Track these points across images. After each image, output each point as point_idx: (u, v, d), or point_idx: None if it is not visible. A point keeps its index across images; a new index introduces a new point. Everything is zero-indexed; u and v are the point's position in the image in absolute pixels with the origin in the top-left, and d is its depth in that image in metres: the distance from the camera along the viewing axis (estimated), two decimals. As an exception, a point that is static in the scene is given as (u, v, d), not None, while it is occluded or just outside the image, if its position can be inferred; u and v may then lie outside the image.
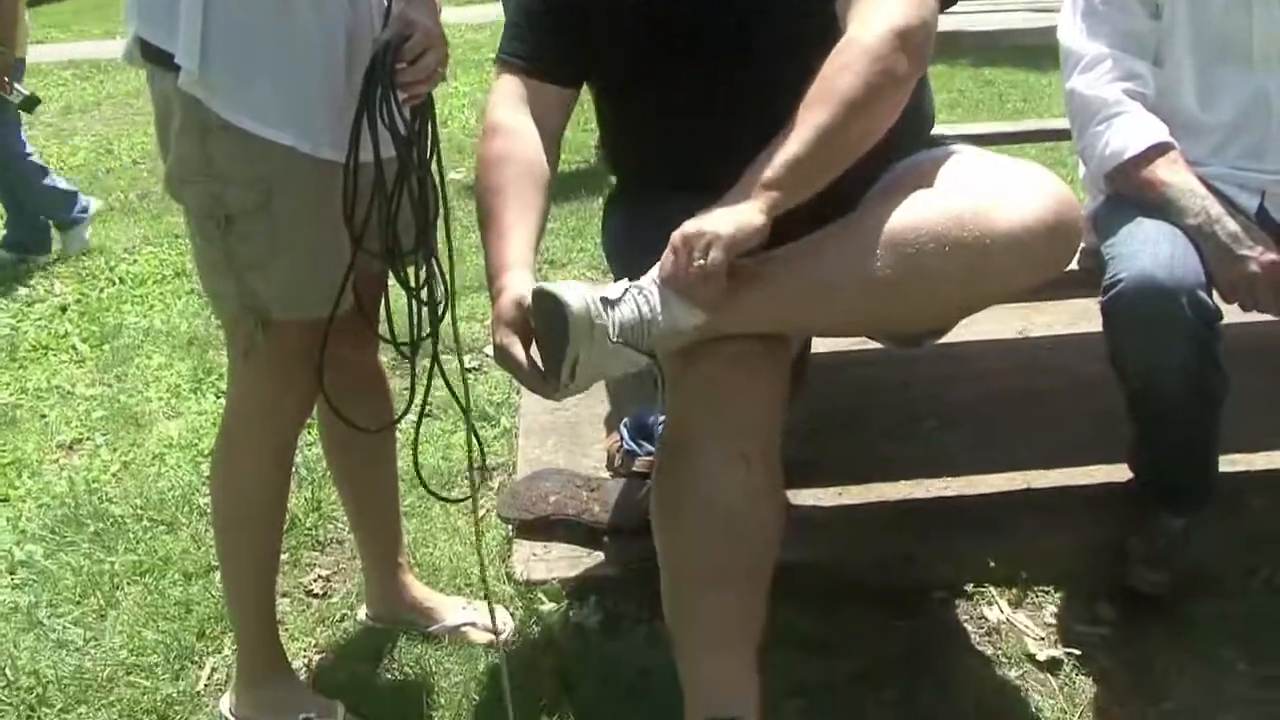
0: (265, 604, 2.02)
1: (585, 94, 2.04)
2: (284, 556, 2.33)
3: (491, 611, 1.97)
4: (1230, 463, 2.32)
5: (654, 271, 1.66)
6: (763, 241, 1.63)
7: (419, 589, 2.27)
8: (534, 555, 2.38)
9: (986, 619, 2.22)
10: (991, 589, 2.27)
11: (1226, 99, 2.16)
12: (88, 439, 3.17)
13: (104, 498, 2.81)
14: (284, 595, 2.34)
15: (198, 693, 2.13)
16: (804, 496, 2.44)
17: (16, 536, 2.67)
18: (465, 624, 2.22)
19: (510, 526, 2.47)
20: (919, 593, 2.28)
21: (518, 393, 3.10)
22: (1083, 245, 2.16)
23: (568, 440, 2.77)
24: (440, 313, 1.83)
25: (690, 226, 1.62)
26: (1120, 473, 2.34)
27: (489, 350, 3.42)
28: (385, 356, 2.09)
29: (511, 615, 2.26)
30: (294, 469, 2.24)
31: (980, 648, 2.16)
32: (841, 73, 1.68)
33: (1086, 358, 2.73)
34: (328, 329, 1.75)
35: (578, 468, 2.60)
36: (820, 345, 2.48)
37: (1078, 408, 2.63)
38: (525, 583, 2.31)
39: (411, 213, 1.76)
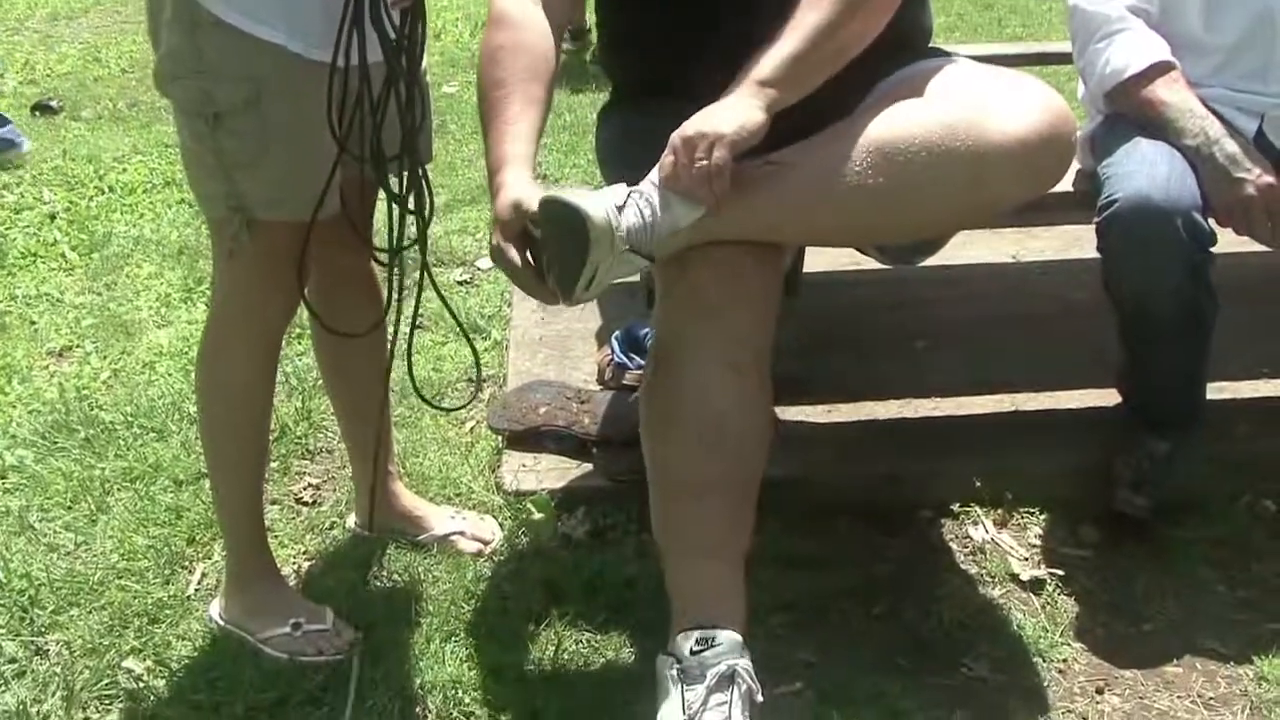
0: (254, 508, 2.02)
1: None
2: (274, 465, 2.35)
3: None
4: (1217, 390, 2.33)
5: (654, 174, 1.65)
6: (761, 139, 1.63)
7: (408, 498, 2.28)
8: (523, 466, 2.39)
9: (972, 538, 2.24)
10: (977, 509, 2.29)
11: (1231, 19, 2.14)
12: (78, 346, 3.15)
13: (94, 405, 2.80)
14: (274, 503, 2.35)
15: (187, 597, 2.14)
16: (793, 414, 2.44)
17: (7, 442, 2.66)
18: (454, 533, 2.23)
19: (500, 438, 2.48)
20: (906, 511, 2.30)
21: (508, 305, 3.10)
22: (1079, 167, 2.16)
23: (558, 353, 2.77)
24: (426, 222, 1.82)
25: (690, 127, 1.61)
26: (1108, 397, 2.35)
27: (480, 263, 3.41)
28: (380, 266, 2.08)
29: (500, 526, 2.27)
30: (284, 378, 2.25)
31: (965, 567, 2.18)
32: None
33: (1078, 284, 2.75)
34: (309, 232, 1.74)
35: (568, 381, 2.60)
36: (812, 264, 2.47)
37: (1068, 332, 2.63)
38: (514, 493, 2.33)
39: (397, 119, 1.75)
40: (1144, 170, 1.98)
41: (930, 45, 2.06)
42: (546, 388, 2.53)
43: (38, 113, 5.44)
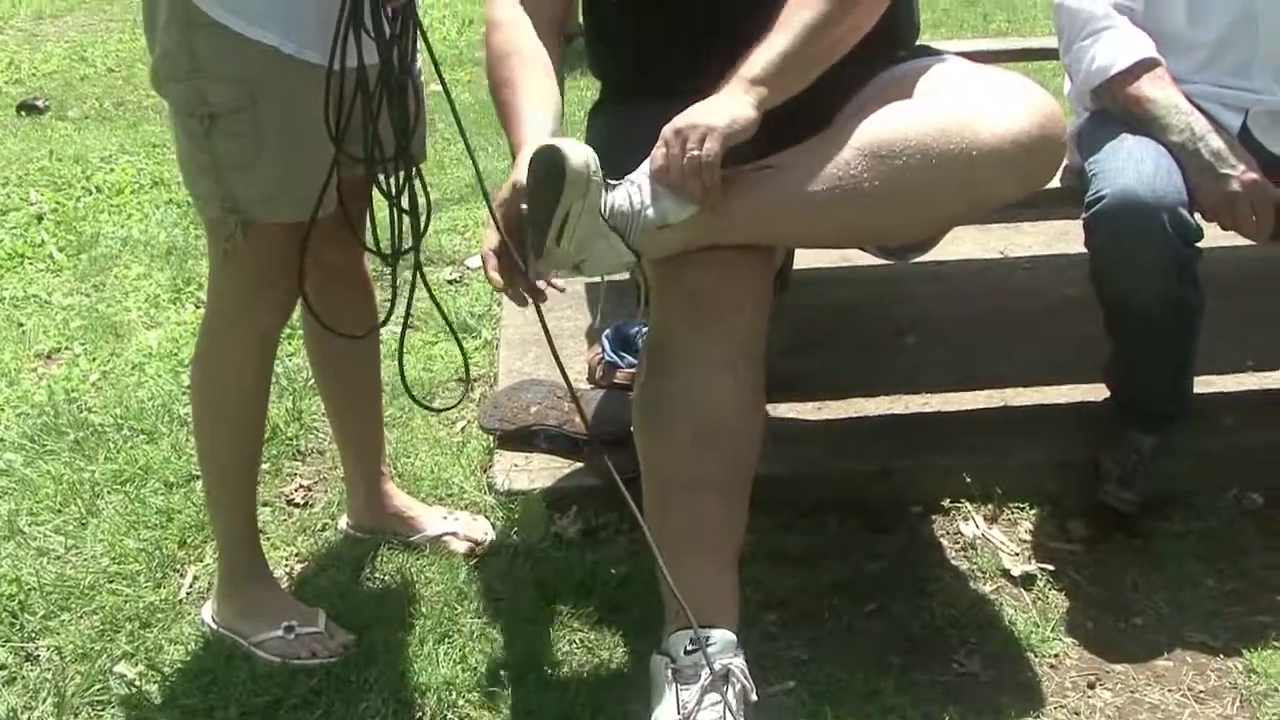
0: (245, 510, 2.02)
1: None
2: (265, 466, 2.34)
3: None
4: (1204, 384, 2.34)
5: (645, 165, 1.66)
6: (752, 135, 1.64)
7: (400, 498, 2.28)
8: (515, 466, 2.39)
9: (962, 534, 2.25)
10: (968, 505, 2.29)
11: (1215, 15, 2.14)
12: (66, 348, 3.15)
13: (83, 407, 2.80)
14: (265, 505, 2.35)
15: (179, 600, 2.14)
16: (783, 410, 2.45)
17: (-5, 444, 2.66)
18: (446, 533, 2.23)
19: (491, 437, 2.48)
20: (896, 508, 2.31)
21: (498, 304, 3.09)
22: (1066, 163, 2.16)
23: (549, 352, 2.75)
24: (425, 222, 1.82)
25: (682, 120, 1.63)
26: (1096, 392, 2.36)
27: (470, 262, 3.41)
28: (372, 266, 2.08)
29: (492, 526, 2.27)
30: (275, 379, 2.24)
31: (956, 562, 2.19)
32: None
33: (1066, 279, 2.76)
34: (308, 233, 1.74)
35: (559, 379, 2.60)
36: (801, 261, 2.48)
37: (1056, 328, 2.64)
38: (506, 493, 2.33)
39: (391, 120, 1.75)
40: (1130, 166, 1.99)
41: (919, 43, 2.06)
42: (537, 387, 2.53)
43: (23, 112, 5.43)
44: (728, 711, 1.62)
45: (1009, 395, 2.54)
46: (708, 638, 1.67)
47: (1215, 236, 2.05)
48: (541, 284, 1.79)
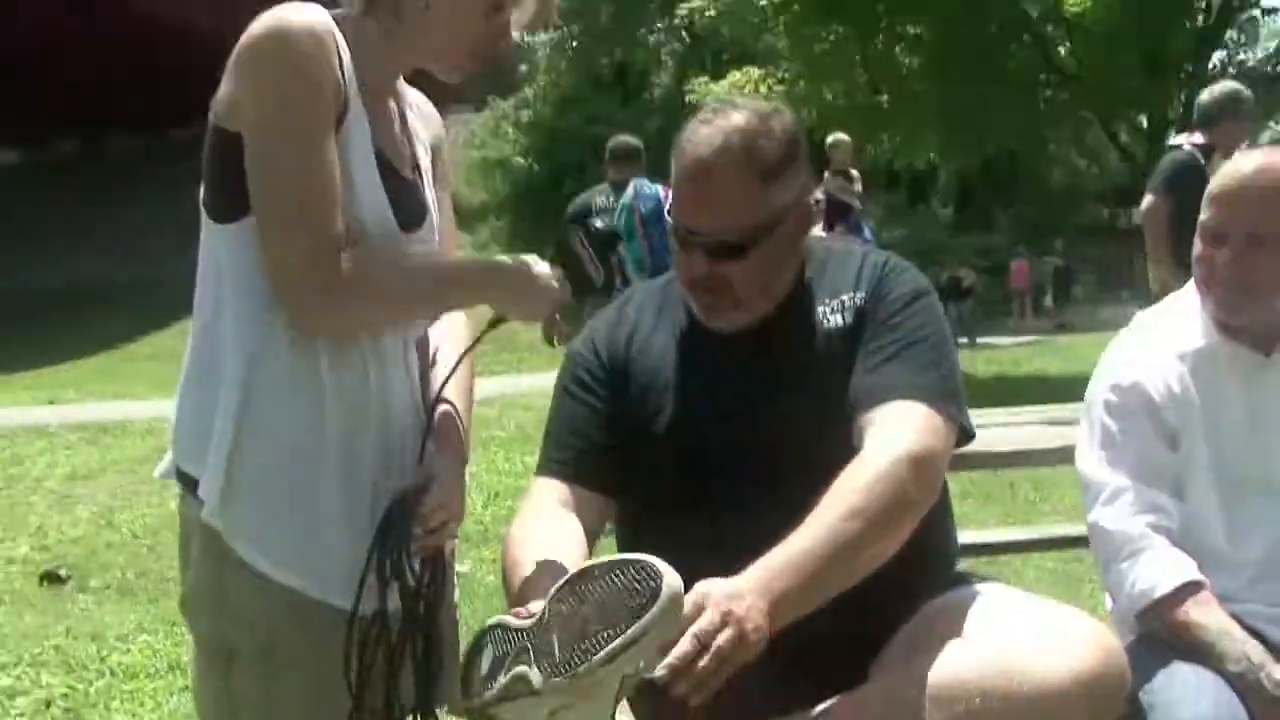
0: None
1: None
2: None
3: None
4: None
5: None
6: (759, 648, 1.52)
7: None
8: None
9: None
10: None
11: (1255, 534, 2.10)
12: None
13: None
14: None
15: None
16: None
17: None
18: None
19: None
20: None
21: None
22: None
23: None
24: None
25: (737, 607, 1.51)
26: None
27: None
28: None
29: None
30: None
31: None
32: (854, 490, 1.69)
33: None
34: None
35: None
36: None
37: None
38: None
39: (414, 669, 1.73)
40: (1188, 700, 1.88)
41: (957, 570, 2.04)
42: None
43: (45, 582, 5.43)
44: None
45: None
46: None
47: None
48: None
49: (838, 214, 9.11)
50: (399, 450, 1.80)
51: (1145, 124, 17.41)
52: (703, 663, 1.45)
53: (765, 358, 1.94)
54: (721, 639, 1.47)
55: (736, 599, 1.52)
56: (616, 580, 1.41)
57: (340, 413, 1.72)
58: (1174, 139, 7.32)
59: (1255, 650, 1.95)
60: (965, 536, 3.42)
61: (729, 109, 1.92)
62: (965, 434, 1.91)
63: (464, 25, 1.77)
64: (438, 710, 1.77)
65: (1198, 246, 2.16)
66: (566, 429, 2.01)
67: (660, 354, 2.01)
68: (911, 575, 1.81)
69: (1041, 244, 31.91)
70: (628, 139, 7.13)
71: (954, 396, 1.88)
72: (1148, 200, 6.08)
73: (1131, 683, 2.03)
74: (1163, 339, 2.19)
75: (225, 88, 1.68)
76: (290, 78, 1.64)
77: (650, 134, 28.08)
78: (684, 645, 1.45)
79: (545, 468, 1.99)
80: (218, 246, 1.74)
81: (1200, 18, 16.76)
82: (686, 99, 21.05)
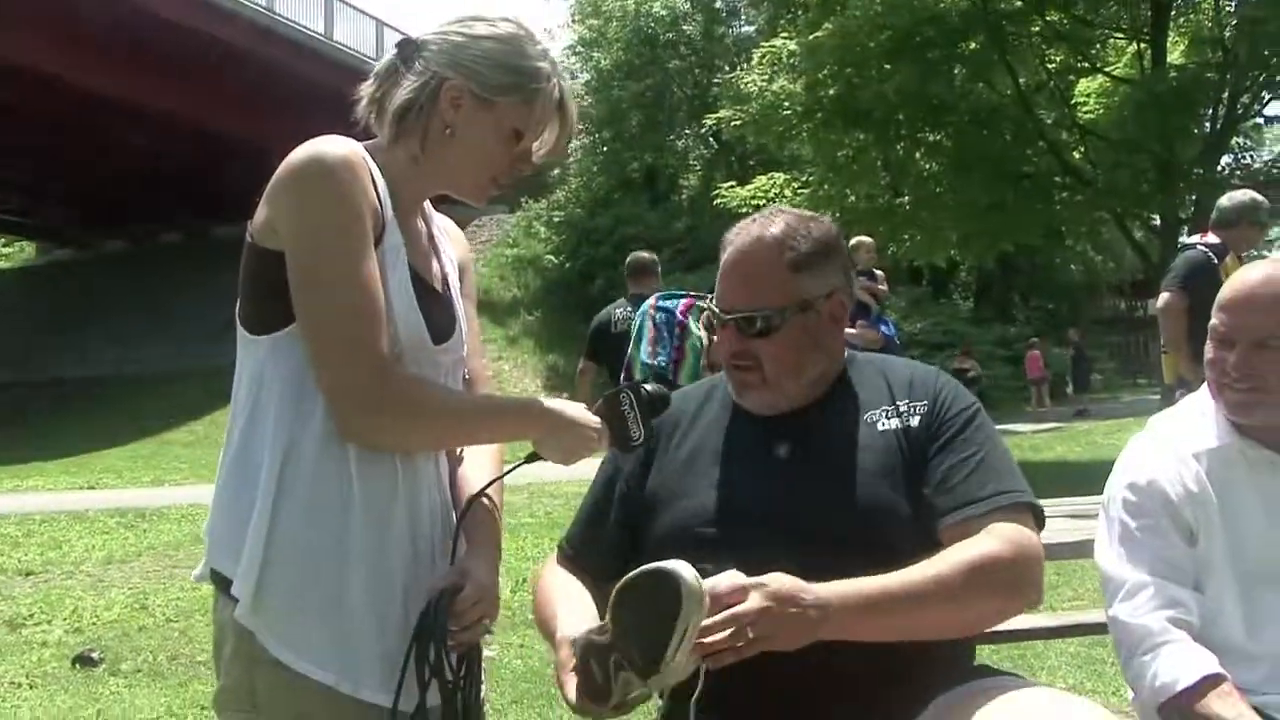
0: None
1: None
2: None
3: None
4: None
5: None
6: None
7: None
8: None
9: None
10: None
11: (1273, 627, 2.14)
12: None
13: None
14: None
15: None
16: None
17: None
18: None
19: None
20: None
21: None
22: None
23: None
24: None
25: (789, 587, 1.69)
26: None
27: None
28: None
29: None
30: None
31: None
32: (949, 555, 1.82)
33: None
34: None
35: None
36: None
37: None
38: None
39: None
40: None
41: (977, 664, 2.07)
42: None
43: (78, 665, 5.47)
44: None
45: None
46: None
47: None
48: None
49: (858, 312, 9.33)
50: (427, 549, 1.87)
51: (1158, 222, 17.61)
52: (722, 635, 1.63)
53: (802, 446, 2.04)
54: (749, 628, 1.64)
55: (781, 600, 1.67)
56: (650, 591, 1.63)
57: (369, 512, 1.78)
58: (1188, 239, 7.49)
59: (1276, 742, 1.99)
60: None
61: (775, 212, 2.13)
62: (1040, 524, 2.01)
63: (485, 152, 1.90)
64: None
65: (1209, 350, 2.25)
66: (585, 519, 2.20)
67: (698, 442, 2.12)
68: (928, 664, 1.86)
69: (1059, 334, 32.02)
70: (643, 255, 7.63)
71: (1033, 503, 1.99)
72: (1164, 297, 6.29)
73: (1156, 775, 2.08)
74: (1178, 439, 2.27)
75: (264, 211, 1.78)
76: (336, 201, 1.74)
77: (678, 234, 28.58)
78: (715, 619, 1.64)
79: (563, 551, 2.19)
80: (255, 356, 1.82)
81: (1208, 125, 17.10)
82: (714, 202, 21.30)
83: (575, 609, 1.89)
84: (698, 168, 32.98)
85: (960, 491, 1.94)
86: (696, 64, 33.50)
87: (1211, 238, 6.36)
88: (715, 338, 2.14)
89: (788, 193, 17.77)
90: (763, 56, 19.68)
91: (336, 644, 1.72)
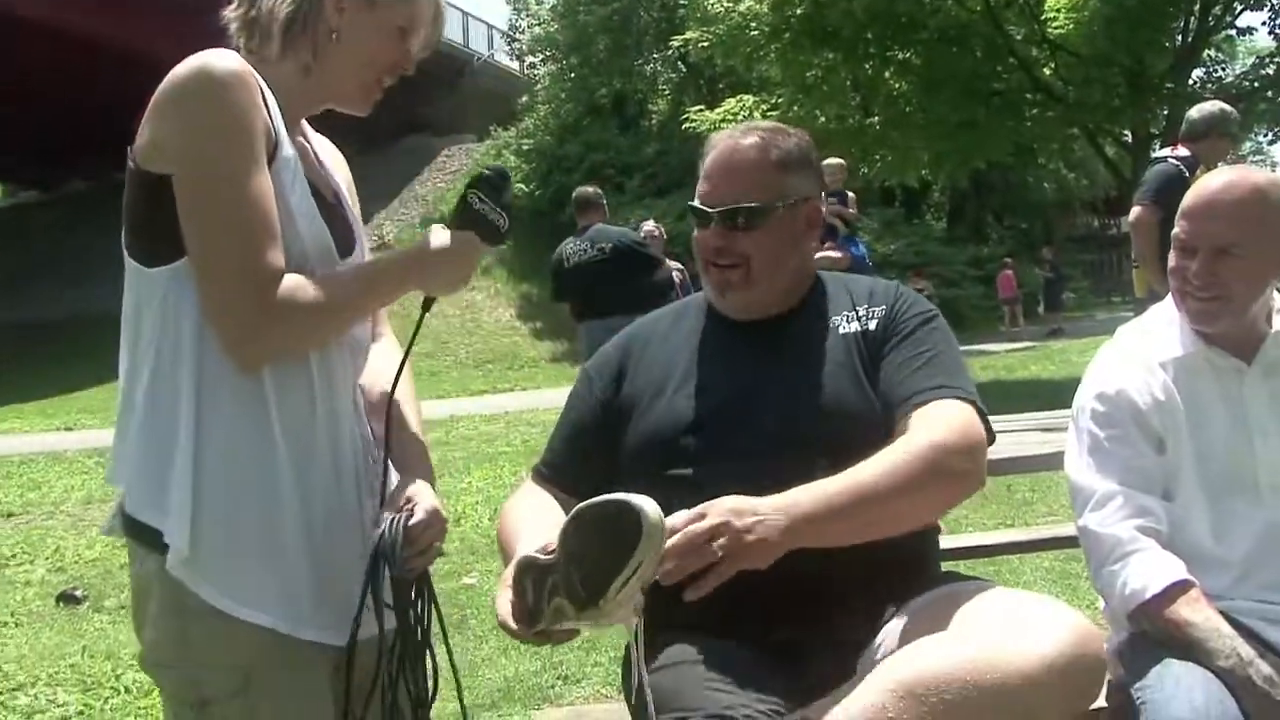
0: None
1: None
2: None
3: None
4: None
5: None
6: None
7: None
8: None
9: None
10: None
11: (1239, 532, 2.18)
12: None
13: None
14: None
15: None
16: None
17: None
18: None
19: None
20: None
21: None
22: (1110, 679, 2.13)
23: None
24: None
25: (744, 505, 1.71)
26: None
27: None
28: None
29: None
30: None
31: None
32: (895, 451, 1.86)
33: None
34: None
35: None
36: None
37: None
38: None
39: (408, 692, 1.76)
40: (1181, 696, 1.94)
41: (945, 569, 2.12)
42: None
43: (62, 603, 5.50)
44: None
45: None
46: None
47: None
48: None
49: (827, 235, 9.43)
50: (351, 481, 1.83)
51: (1130, 138, 17.60)
52: (690, 559, 1.64)
53: (778, 352, 2.10)
54: (717, 544, 1.65)
55: (739, 514, 1.69)
56: (608, 520, 1.60)
57: (292, 447, 1.72)
58: (1159, 152, 7.50)
59: (1244, 647, 2.01)
60: (965, 539, 3.52)
61: (752, 124, 2.19)
62: (989, 435, 2.04)
63: (371, 54, 1.84)
64: None
65: (1172, 259, 2.26)
66: (563, 435, 2.21)
67: (673, 351, 2.17)
68: (892, 576, 1.92)
69: (1032, 253, 32.12)
70: (587, 190, 8.16)
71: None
72: (1135, 210, 6.33)
73: (1125, 679, 2.12)
74: (1145, 349, 2.29)
75: (147, 131, 1.69)
76: (226, 114, 1.66)
77: (648, 159, 28.38)
78: (673, 541, 1.64)
79: (538, 470, 2.20)
80: (153, 290, 1.73)
81: (1179, 38, 17.05)
82: (683, 126, 21.15)
83: (541, 531, 1.85)
84: (666, 92, 32.72)
85: (909, 384, 2.00)
86: (663, -15, 33.14)
87: (1182, 150, 6.37)
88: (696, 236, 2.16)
89: (757, 115, 17.68)
90: (728, -25, 19.49)
91: (274, 586, 1.68)
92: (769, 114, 17.31)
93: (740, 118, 17.89)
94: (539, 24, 35.02)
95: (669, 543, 1.62)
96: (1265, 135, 23.92)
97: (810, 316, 2.15)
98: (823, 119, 16.81)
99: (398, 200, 28.22)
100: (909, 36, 16.15)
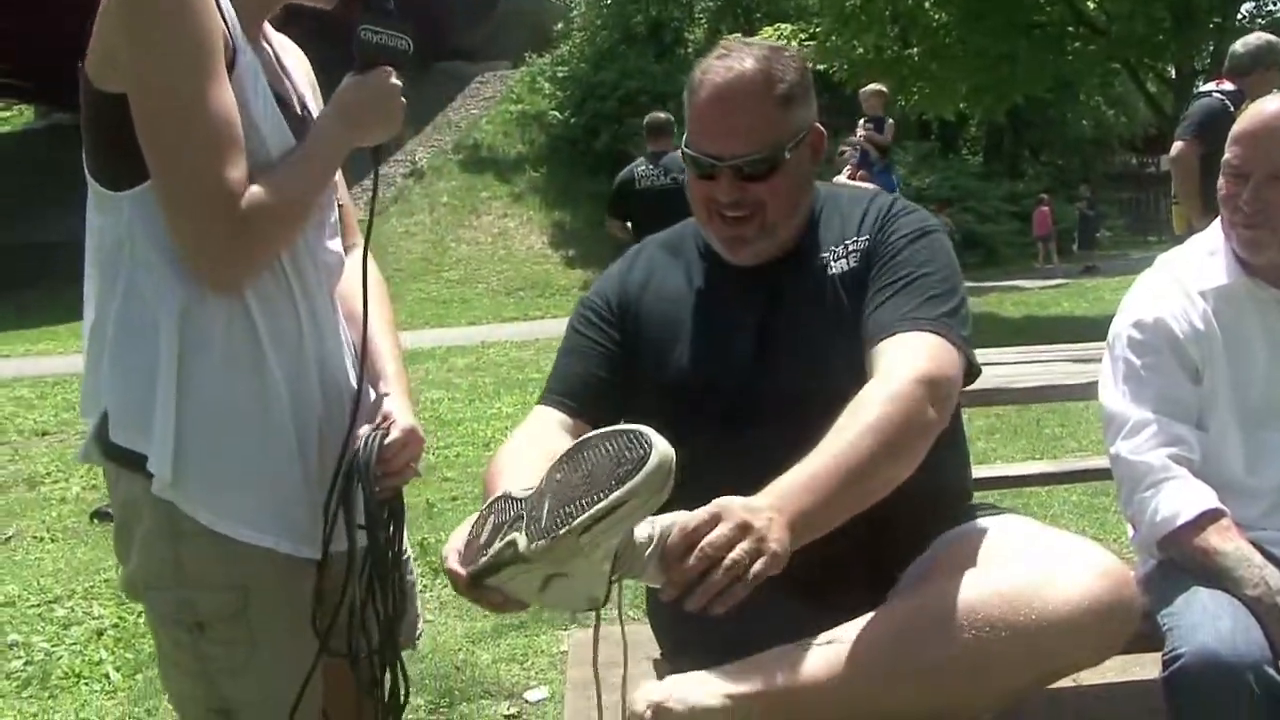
0: None
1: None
2: None
3: None
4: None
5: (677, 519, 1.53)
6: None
7: None
8: None
9: None
10: None
11: (1273, 463, 2.16)
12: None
13: None
14: None
15: None
16: None
17: None
18: None
19: None
20: None
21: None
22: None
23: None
24: (401, 708, 1.79)
25: (755, 520, 1.51)
26: None
27: (529, 695, 3.33)
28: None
29: None
30: None
31: None
32: (867, 411, 1.70)
33: (1141, 708, 2.63)
34: None
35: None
36: None
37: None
38: None
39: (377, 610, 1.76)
40: (1207, 623, 1.94)
41: (975, 502, 2.09)
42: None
43: (96, 519, 5.57)
44: None
45: None
46: None
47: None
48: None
49: (861, 162, 9.40)
50: (337, 395, 1.78)
51: (1173, 74, 17.25)
52: (715, 575, 1.45)
53: (777, 300, 1.98)
54: (738, 551, 1.47)
55: (755, 513, 1.52)
56: (610, 448, 1.40)
57: (280, 363, 1.68)
58: (1204, 86, 7.33)
59: (1273, 575, 2.01)
60: (993, 470, 3.51)
61: (741, 46, 1.97)
62: (972, 369, 1.92)
63: None
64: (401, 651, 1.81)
65: (1222, 186, 2.21)
66: (569, 362, 2.07)
67: (674, 298, 2.06)
68: (924, 510, 1.86)
69: (1068, 190, 31.71)
70: (660, 115, 8.08)
71: (962, 325, 1.89)
72: (1177, 145, 6.14)
73: (1151, 606, 2.12)
74: (1185, 277, 2.25)
75: (98, 44, 1.59)
76: (181, 19, 1.54)
77: (683, 87, 27.98)
78: (693, 559, 1.46)
79: (545, 397, 2.04)
80: (120, 213, 1.65)
81: (1229, -30, 16.67)
82: (720, 54, 20.93)
83: (536, 466, 1.64)
84: (703, 20, 32.30)
85: (875, 317, 1.88)
86: (702, -91, 32.61)
87: (1227, 85, 6.17)
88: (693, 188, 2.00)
89: (794, 44, 17.43)
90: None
91: (269, 505, 1.66)
92: (806, 44, 17.08)
93: (777, 46, 17.67)
94: None
95: (689, 561, 1.45)
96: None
97: (807, 255, 2.01)
98: (860, 49, 16.57)
99: (431, 125, 28.07)
100: (951, -34, 15.89)
